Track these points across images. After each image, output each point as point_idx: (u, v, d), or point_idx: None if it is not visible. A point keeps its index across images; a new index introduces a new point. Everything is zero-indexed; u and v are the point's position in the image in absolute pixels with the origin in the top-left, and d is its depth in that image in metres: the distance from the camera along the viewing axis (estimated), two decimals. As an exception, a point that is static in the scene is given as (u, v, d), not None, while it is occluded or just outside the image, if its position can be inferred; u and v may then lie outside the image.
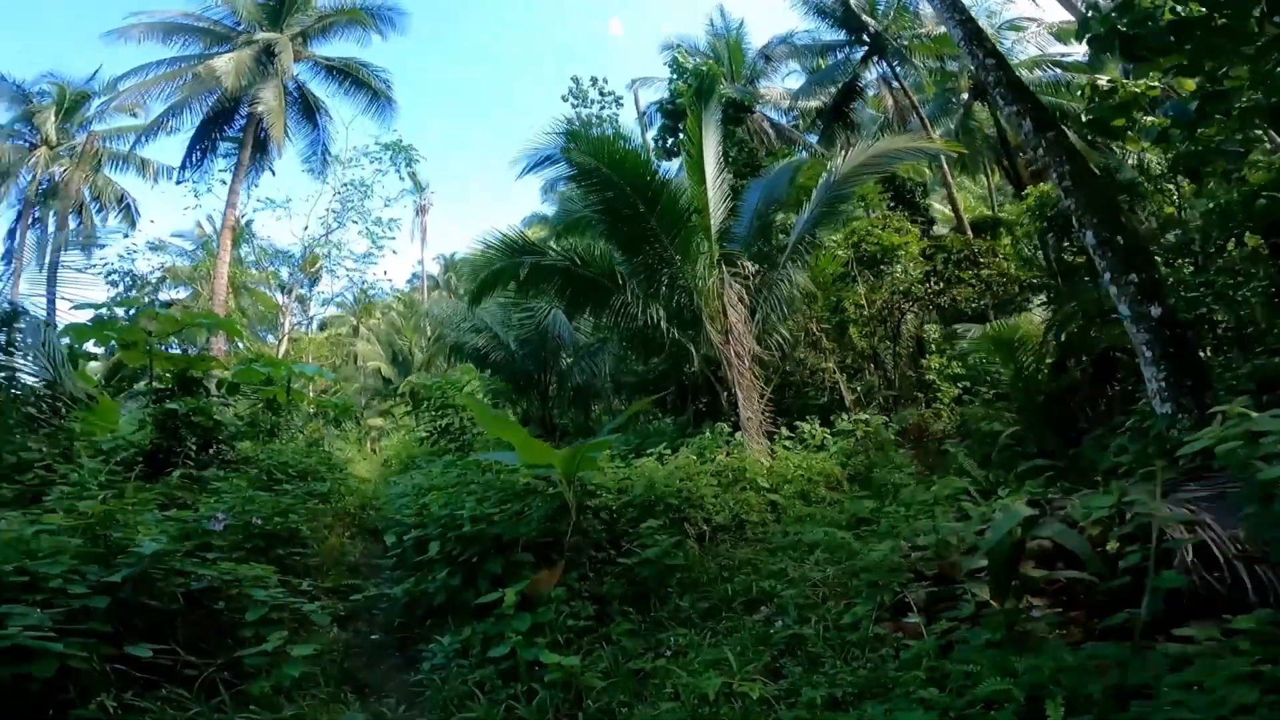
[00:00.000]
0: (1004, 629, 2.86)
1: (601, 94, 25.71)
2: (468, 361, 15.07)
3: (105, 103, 23.36)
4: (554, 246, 10.60)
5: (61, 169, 24.11)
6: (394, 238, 29.08)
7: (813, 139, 21.89)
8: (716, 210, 9.23)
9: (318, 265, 28.09)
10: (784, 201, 10.32)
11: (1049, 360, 7.83)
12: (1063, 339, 7.88)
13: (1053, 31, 19.05)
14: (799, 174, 10.77)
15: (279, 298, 28.78)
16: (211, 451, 7.98)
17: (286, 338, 27.57)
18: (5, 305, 6.59)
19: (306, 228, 26.87)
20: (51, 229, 23.65)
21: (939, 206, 22.37)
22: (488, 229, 9.53)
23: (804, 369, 10.24)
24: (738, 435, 8.00)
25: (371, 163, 27.12)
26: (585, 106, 25.42)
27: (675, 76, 19.51)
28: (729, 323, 8.02)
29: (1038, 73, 19.49)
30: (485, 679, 3.74)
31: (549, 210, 27.72)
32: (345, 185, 26.30)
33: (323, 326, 36.00)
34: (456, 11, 64.08)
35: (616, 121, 25.02)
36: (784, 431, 8.24)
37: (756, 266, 9.06)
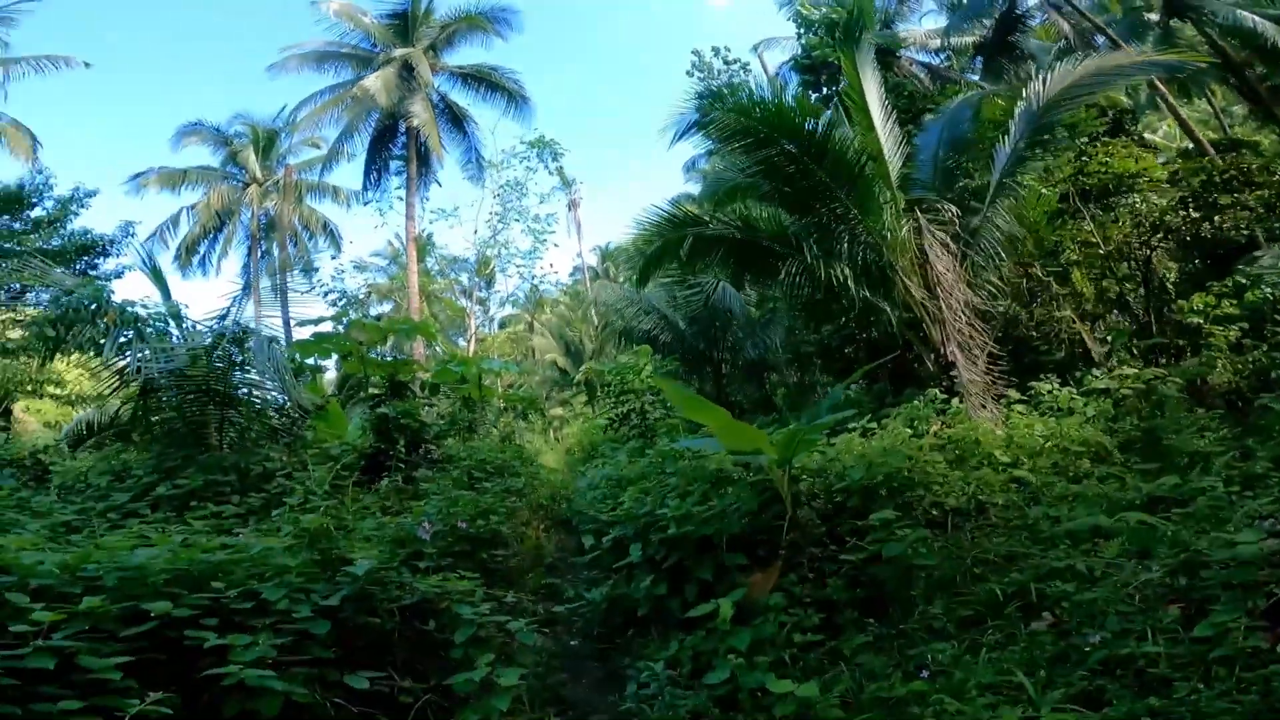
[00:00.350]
0: None
1: (727, 63, 24.42)
2: (637, 345, 14.99)
3: (289, 135, 26.58)
4: (718, 215, 10.02)
5: (272, 204, 27.92)
6: (553, 231, 30.17)
7: (972, 78, 19.39)
8: (892, 155, 8.18)
9: (490, 266, 29.93)
10: (967, 140, 9.05)
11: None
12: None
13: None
14: (982, 109, 9.35)
15: (463, 303, 31.17)
16: (420, 451, 8.44)
17: (473, 339, 29.81)
18: (234, 326, 7.34)
19: (476, 231, 28.67)
20: (276, 255, 27.54)
21: (1148, 136, 18.79)
22: (645, 207, 9.17)
23: (1028, 321, 8.68)
24: (955, 402, 6.88)
25: (521, 162, 28.22)
26: (712, 78, 24.35)
27: (802, 30, 18.11)
28: (935, 274, 6.90)
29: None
30: (700, 708, 3.27)
31: (694, 189, 27.12)
32: (502, 187, 27.62)
33: (502, 325, 38.56)
34: (546, 13, 64.60)
35: (749, 86, 23.61)
36: (1011, 394, 6.97)
37: (956, 210, 7.79)
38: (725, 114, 8.06)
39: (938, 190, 8.44)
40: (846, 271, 8.23)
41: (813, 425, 4.15)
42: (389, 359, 12.87)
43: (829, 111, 13.86)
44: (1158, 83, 14.94)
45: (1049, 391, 6.81)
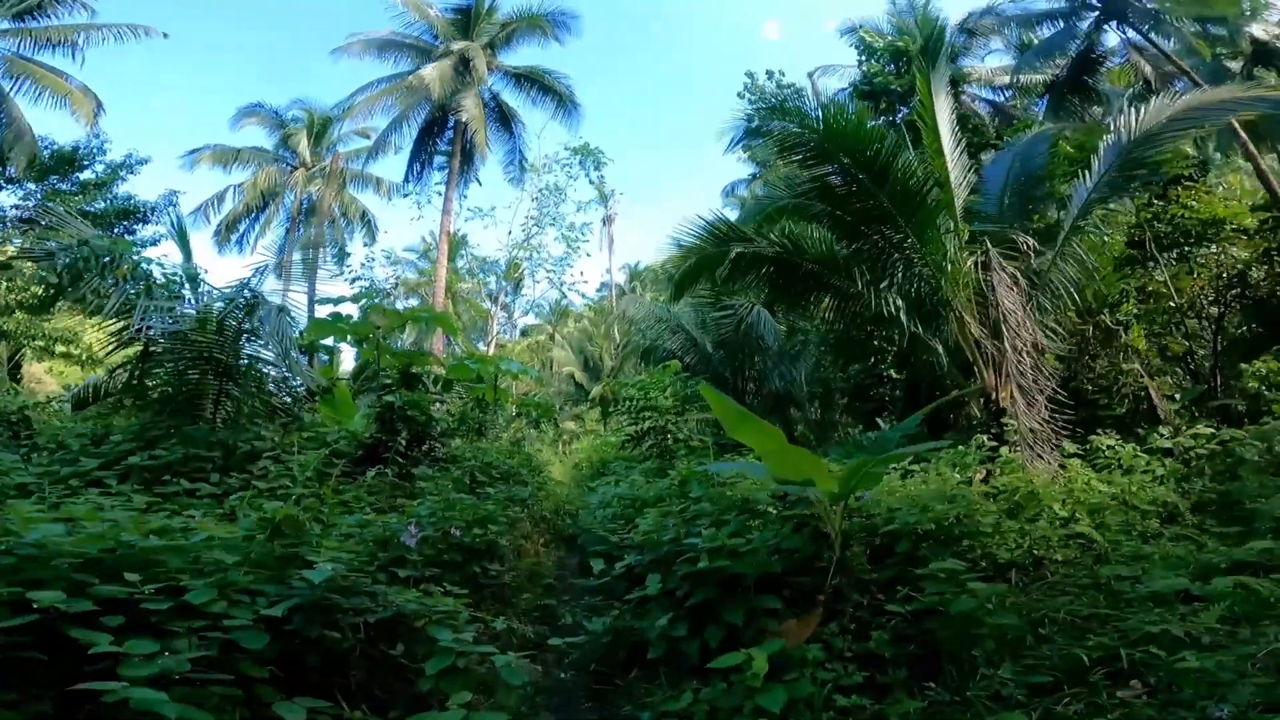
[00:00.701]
0: None
1: (780, 86, 24.09)
2: (660, 364, 14.49)
3: (340, 122, 26.87)
4: (763, 233, 9.54)
5: (315, 189, 28.10)
6: (587, 240, 29.84)
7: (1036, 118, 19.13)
8: (958, 184, 7.66)
9: (520, 269, 29.71)
10: (1040, 175, 8.59)
11: None
12: None
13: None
14: (1058, 144, 8.92)
15: (487, 305, 30.95)
16: (423, 447, 7.93)
17: (493, 343, 29.52)
18: (248, 294, 6.97)
19: (510, 233, 28.41)
20: (312, 233, 27.64)
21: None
22: (686, 218, 8.67)
23: (1086, 372, 8.02)
24: (1004, 450, 6.27)
25: (563, 168, 28.05)
26: (764, 101, 24.02)
27: (864, 58, 17.97)
28: (1001, 311, 6.31)
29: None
30: (719, 780, 2.70)
31: (731, 214, 26.72)
32: (541, 190, 27.44)
33: (524, 333, 38.34)
34: (601, 28, 65.33)
35: (811, 99, 23.32)
36: (1067, 447, 6.37)
37: (1032, 242, 7.22)
38: (786, 123, 7.64)
39: (1004, 225, 7.91)
40: (899, 303, 7.67)
41: (881, 458, 3.57)
42: (407, 350, 12.45)
43: (891, 134, 13.57)
44: (1239, 129, 14.28)
45: (1109, 447, 6.22)
